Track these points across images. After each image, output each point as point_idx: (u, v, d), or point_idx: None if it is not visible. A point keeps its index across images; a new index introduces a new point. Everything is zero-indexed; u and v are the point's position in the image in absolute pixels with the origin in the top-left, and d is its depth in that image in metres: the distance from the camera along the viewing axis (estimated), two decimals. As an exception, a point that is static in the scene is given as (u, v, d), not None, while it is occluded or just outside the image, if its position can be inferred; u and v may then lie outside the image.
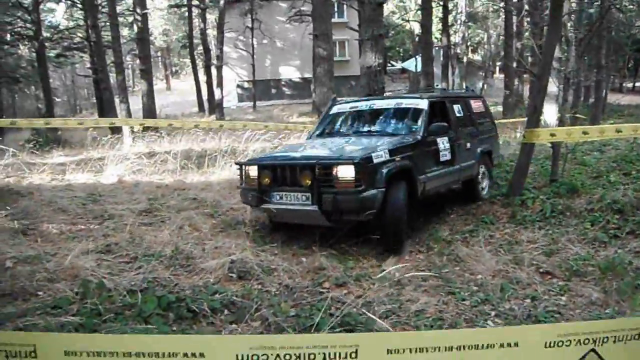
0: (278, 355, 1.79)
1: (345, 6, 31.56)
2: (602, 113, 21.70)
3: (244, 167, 6.64)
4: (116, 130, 16.65)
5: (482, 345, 1.76)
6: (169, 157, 11.03)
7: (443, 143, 7.24)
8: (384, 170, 5.94)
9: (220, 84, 25.53)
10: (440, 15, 27.79)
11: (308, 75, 32.10)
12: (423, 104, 7.36)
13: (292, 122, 20.82)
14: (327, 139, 7.45)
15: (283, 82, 38.02)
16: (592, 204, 7.19)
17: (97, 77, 20.60)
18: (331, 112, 8.07)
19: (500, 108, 26.63)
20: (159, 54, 48.43)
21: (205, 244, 5.86)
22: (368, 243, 6.33)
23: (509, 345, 1.74)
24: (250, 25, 29.90)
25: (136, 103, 23.65)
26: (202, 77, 33.39)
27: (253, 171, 6.44)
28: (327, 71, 15.23)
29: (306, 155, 6.50)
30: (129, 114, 19.41)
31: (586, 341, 1.76)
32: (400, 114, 7.52)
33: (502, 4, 27.43)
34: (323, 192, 5.83)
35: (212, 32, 35.18)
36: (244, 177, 6.62)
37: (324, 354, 1.78)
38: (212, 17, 35.09)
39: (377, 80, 10.36)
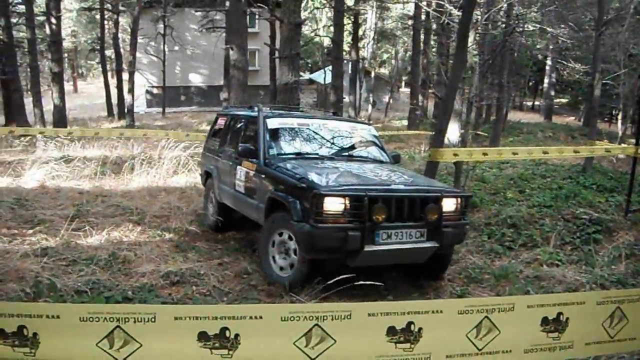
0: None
1: (256, 17, 32.07)
2: (502, 131, 23.31)
3: (323, 198, 4.92)
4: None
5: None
6: (88, 163, 11.14)
7: None
8: None
9: (131, 89, 25.36)
10: (351, 29, 28.90)
11: (217, 83, 32.36)
12: (373, 131, 7.59)
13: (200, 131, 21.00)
14: (326, 163, 6.29)
15: (192, 90, 37.98)
16: (490, 218, 8.19)
17: (7, 78, 19.88)
18: (271, 127, 6.70)
19: (405, 122, 28.16)
20: (66, 55, 46.72)
21: (136, 249, 6.27)
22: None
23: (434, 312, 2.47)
24: (162, 32, 29.80)
25: (44, 105, 23.05)
26: (111, 81, 32.77)
27: (354, 203, 5.00)
28: (242, 82, 15.73)
29: (406, 184, 5.56)
30: (42, 118, 18.99)
31: (482, 310, 2.52)
32: (358, 138, 7.27)
33: (410, 22, 28.92)
34: (444, 227, 5.35)
35: (122, 36, 34.66)
36: (317, 212, 4.93)
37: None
38: (123, 20, 34.59)
39: (293, 96, 11.03)
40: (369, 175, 5.75)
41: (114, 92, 30.91)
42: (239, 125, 7.62)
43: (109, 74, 37.04)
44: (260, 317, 2.12)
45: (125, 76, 28.23)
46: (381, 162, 6.84)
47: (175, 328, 2.04)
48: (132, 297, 4.73)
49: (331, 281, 4.78)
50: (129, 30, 29.66)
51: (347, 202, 4.96)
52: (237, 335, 2.10)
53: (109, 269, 5.52)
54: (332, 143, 6.95)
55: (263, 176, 6.10)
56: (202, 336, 2.06)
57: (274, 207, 5.72)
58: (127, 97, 25.70)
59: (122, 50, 31.71)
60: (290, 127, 6.94)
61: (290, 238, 5.40)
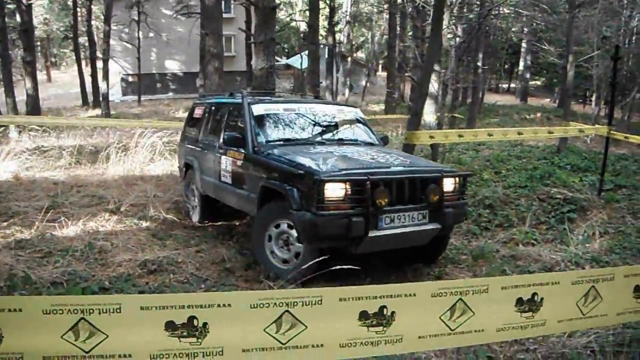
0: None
1: (232, 2, 31.75)
2: (478, 113, 23.49)
3: (323, 184, 4.78)
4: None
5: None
6: (63, 153, 10.99)
7: None
8: None
9: (106, 78, 25.01)
10: (327, 14, 28.75)
11: (194, 69, 32.01)
12: (360, 113, 7.47)
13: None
14: (318, 147, 6.12)
15: (168, 77, 37.54)
16: (466, 199, 8.27)
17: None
18: (257, 113, 6.45)
19: (382, 106, 28.19)
20: (38, 43, 45.90)
21: (113, 239, 6.22)
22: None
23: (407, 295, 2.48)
24: (136, 18, 29.37)
25: (17, 95, 22.64)
26: (86, 70, 32.27)
27: (356, 188, 4.88)
28: (217, 69, 15.56)
29: (405, 166, 5.51)
30: (15, 108, 18.64)
31: (455, 293, 2.53)
32: (344, 122, 7.09)
33: (386, 6, 28.88)
34: (445, 207, 5.34)
35: (95, 24, 34.11)
36: (318, 199, 4.78)
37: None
38: (96, 8, 34.01)
39: (269, 81, 10.94)
40: (366, 159, 5.59)
41: (88, 80, 30.44)
42: (220, 114, 7.38)
43: (83, 62, 36.47)
44: (229, 305, 2.10)
45: (99, 64, 27.78)
46: (371, 144, 6.71)
47: (141, 318, 2.01)
48: (109, 287, 4.69)
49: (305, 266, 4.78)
50: (102, 17, 29.12)
51: (349, 187, 4.85)
52: (205, 324, 2.08)
53: (85, 260, 5.48)
54: (321, 127, 6.80)
55: (252, 165, 5.93)
56: (170, 325, 2.04)
57: (267, 196, 5.54)
58: (102, 86, 25.31)
59: (95, 37, 31.15)
60: (276, 113, 6.70)
61: (290, 227, 5.25)
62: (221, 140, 6.77)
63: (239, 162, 6.22)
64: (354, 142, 6.62)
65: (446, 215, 5.34)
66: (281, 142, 6.21)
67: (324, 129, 6.80)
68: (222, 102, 7.53)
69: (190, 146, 7.94)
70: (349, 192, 4.84)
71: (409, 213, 5.14)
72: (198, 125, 7.88)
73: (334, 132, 6.80)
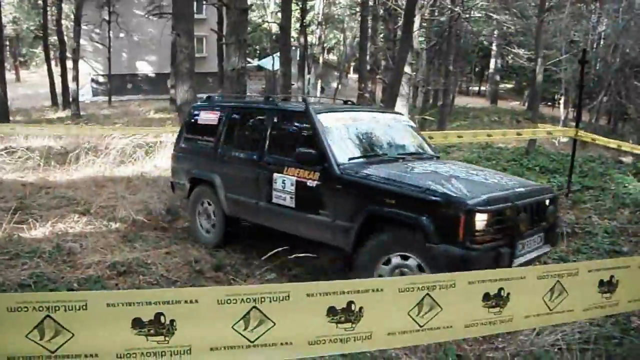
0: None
1: (204, 2, 31.56)
2: (449, 115, 23.70)
3: (474, 214, 4.24)
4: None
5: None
6: (31, 154, 10.80)
7: None
8: None
9: (76, 78, 24.64)
10: (298, 16, 28.77)
11: (165, 70, 31.70)
12: (409, 121, 6.98)
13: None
14: (409, 164, 5.47)
15: (139, 77, 37.13)
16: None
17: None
18: (328, 125, 5.58)
19: (354, 108, 28.20)
20: (7, 43, 45.02)
21: (82, 240, 6.14)
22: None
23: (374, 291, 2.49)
24: (107, 18, 28.99)
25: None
26: (55, 70, 31.68)
27: (503, 217, 4.43)
28: (189, 70, 15.47)
29: (523, 186, 5.06)
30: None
31: (423, 288, 2.54)
32: (407, 132, 6.50)
33: (358, 9, 29.02)
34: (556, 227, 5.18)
35: (66, 23, 33.56)
36: (467, 231, 4.25)
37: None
38: (66, 7, 33.48)
39: (240, 82, 10.92)
40: (481, 179, 5.09)
41: (58, 80, 29.93)
42: (255, 122, 6.46)
43: (53, 62, 35.83)
44: (196, 301, 2.08)
45: (69, 64, 27.32)
46: (438, 157, 6.23)
47: (108, 315, 1.99)
48: (77, 288, 4.66)
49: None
50: (73, 16, 28.67)
51: (497, 215, 4.39)
52: (172, 321, 2.06)
53: (54, 262, 5.42)
54: (389, 140, 6.07)
55: (342, 187, 5.09)
56: (136, 323, 2.01)
57: (371, 225, 4.86)
58: (72, 86, 24.92)
59: (65, 37, 30.62)
60: (345, 124, 5.79)
61: (404, 258, 4.63)
62: (264, 153, 5.93)
63: (313, 183, 5.29)
64: (428, 157, 6.07)
65: (556, 235, 5.18)
66: (362, 159, 5.44)
67: (392, 141, 6.08)
68: (258, 108, 6.63)
69: (200, 158, 6.92)
70: (497, 221, 4.38)
71: (533, 237, 4.84)
72: (210, 133, 6.78)
73: (403, 146, 6.14)
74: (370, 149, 5.76)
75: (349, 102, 7.24)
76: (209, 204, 6.76)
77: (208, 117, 6.94)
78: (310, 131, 5.57)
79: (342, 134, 5.63)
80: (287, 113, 6.14)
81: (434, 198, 4.41)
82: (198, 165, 6.90)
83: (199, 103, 7.87)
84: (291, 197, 5.51)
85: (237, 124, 6.62)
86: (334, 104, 8.38)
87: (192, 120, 7.24)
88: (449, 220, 4.30)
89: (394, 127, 6.33)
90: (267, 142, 5.97)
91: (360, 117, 6.07)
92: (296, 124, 5.94)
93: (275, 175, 5.67)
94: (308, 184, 5.34)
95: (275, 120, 6.08)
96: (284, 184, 5.57)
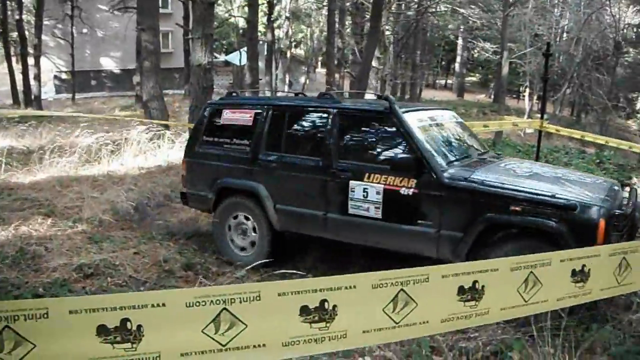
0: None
1: (170, -2, 31.23)
2: (416, 108, 23.79)
3: (604, 219, 4.15)
4: None
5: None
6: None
7: None
8: None
9: (37, 75, 24.08)
10: (265, 10, 28.58)
11: (130, 66, 31.20)
12: (456, 115, 6.58)
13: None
14: (500, 166, 5.26)
15: (104, 74, 36.45)
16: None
17: None
18: (415, 124, 5.17)
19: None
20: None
21: (46, 243, 5.97)
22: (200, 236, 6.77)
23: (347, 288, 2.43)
24: (70, 13, 28.36)
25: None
26: (16, 66, 30.92)
27: (620, 223, 4.30)
28: (154, 65, 15.26)
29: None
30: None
31: (396, 283, 2.49)
32: (461, 128, 6.19)
33: (325, 3, 28.99)
34: None
35: (27, 18, 32.74)
36: (594, 237, 4.10)
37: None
38: (27, 1, 32.64)
39: (207, 78, 10.80)
40: (579, 180, 4.93)
41: (19, 78, 29.22)
42: (314, 123, 5.74)
43: (14, 58, 34.97)
44: (163, 305, 1.99)
45: (30, 61, 26.70)
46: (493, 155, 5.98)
47: (71, 323, 1.89)
48: (42, 293, 4.51)
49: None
50: (34, 10, 27.99)
51: (616, 221, 4.24)
52: (139, 327, 1.97)
53: (17, 266, 5.24)
54: (463, 139, 5.82)
55: (445, 194, 4.73)
56: (102, 330, 1.92)
57: (486, 235, 4.57)
58: (34, 83, 24.35)
59: (26, 33, 29.88)
60: (425, 125, 5.38)
61: None
62: (334, 159, 5.33)
63: (409, 191, 4.87)
64: (495, 155, 5.91)
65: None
66: (457, 163, 5.13)
67: (464, 140, 5.85)
68: (315, 107, 5.73)
69: (230, 165, 6.03)
70: (615, 227, 4.25)
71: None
72: (243, 135, 5.97)
73: (472, 144, 5.86)
74: (456, 150, 5.45)
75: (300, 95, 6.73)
76: (247, 219, 5.99)
77: (237, 117, 6.07)
78: (395, 133, 5.10)
79: (430, 135, 5.25)
80: (360, 113, 5.54)
81: (567, 203, 4.24)
82: (228, 173, 6.03)
83: (218, 100, 7.02)
84: (377, 207, 5.03)
85: (284, 125, 5.79)
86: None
87: (213, 121, 6.27)
88: (586, 226, 4.17)
89: (457, 125, 6.04)
90: (337, 146, 5.37)
91: (431, 115, 5.68)
92: (375, 125, 5.39)
93: (352, 183, 5.14)
94: (402, 192, 4.89)
95: (344, 121, 5.44)
96: (366, 193, 5.06)
